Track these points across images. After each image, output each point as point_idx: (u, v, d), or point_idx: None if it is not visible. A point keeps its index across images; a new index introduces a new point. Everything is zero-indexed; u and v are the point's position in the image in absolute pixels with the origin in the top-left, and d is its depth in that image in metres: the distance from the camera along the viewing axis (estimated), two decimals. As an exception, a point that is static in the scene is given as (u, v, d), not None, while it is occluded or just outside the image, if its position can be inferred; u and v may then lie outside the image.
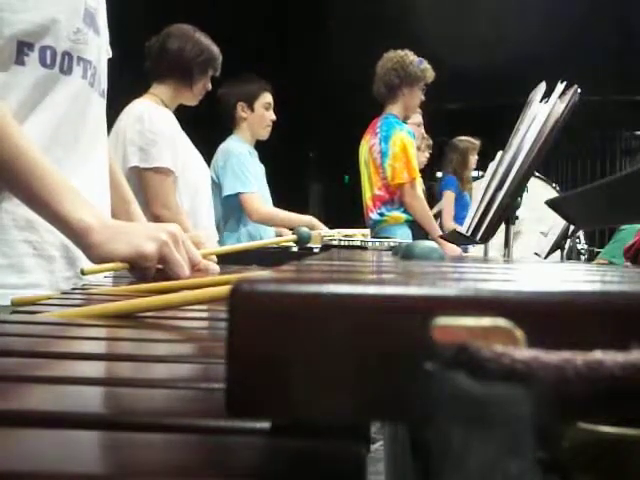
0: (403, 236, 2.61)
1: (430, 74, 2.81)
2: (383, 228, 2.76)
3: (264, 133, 2.60)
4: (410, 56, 2.81)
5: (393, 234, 2.64)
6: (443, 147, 3.99)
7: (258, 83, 2.59)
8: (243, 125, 2.57)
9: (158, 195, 1.86)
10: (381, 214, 2.79)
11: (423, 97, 2.84)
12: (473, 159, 3.94)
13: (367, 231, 2.24)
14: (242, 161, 2.46)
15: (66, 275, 0.84)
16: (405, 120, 2.90)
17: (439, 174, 4.15)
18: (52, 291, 0.79)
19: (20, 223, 0.80)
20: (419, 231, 2.72)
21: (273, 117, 2.58)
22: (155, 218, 1.88)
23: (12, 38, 0.78)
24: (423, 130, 3.39)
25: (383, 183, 2.79)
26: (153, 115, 1.88)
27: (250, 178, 2.45)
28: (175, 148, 1.90)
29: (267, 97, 2.57)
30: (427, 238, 2.61)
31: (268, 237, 2.49)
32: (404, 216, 2.76)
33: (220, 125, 2.58)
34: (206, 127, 2.04)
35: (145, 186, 1.85)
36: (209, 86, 2.06)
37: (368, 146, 2.88)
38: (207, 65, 2.01)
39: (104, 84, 0.94)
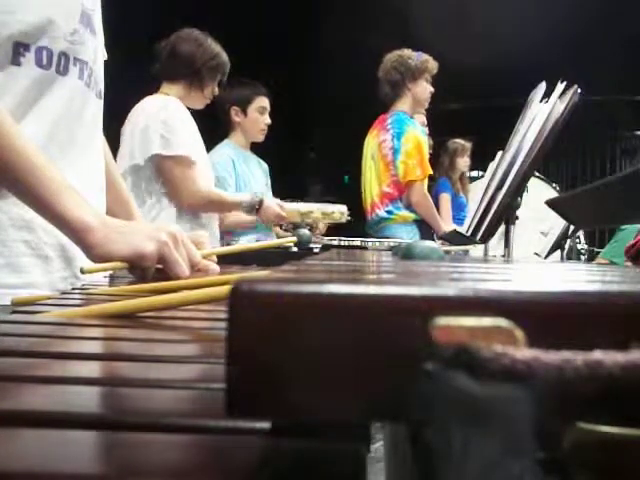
0: (410, 235, 2.60)
1: (432, 64, 2.80)
2: (390, 226, 2.73)
3: (259, 136, 2.58)
4: (408, 52, 2.81)
5: (400, 233, 2.63)
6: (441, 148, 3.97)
7: (252, 87, 2.57)
8: (237, 129, 2.57)
9: (183, 184, 1.90)
10: (389, 212, 2.75)
11: (432, 88, 2.83)
12: (462, 161, 3.88)
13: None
14: (216, 167, 2.43)
15: (63, 275, 0.84)
16: (411, 117, 2.89)
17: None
18: (49, 291, 0.79)
19: (17, 223, 0.80)
20: (427, 231, 2.70)
21: (268, 121, 2.55)
22: (188, 207, 1.94)
23: (8, 39, 0.78)
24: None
25: (393, 180, 2.75)
26: (178, 105, 1.93)
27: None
28: (196, 142, 1.96)
29: (262, 101, 2.55)
30: (433, 238, 2.59)
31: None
32: (413, 215, 2.73)
33: (219, 128, 2.58)
34: (205, 131, 2.05)
35: (167, 175, 1.89)
36: (217, 90, 2.10)
37: (377, 142, 2.83)
38: (217, 71, 2.06)
39: (100, 85, 0.94)
